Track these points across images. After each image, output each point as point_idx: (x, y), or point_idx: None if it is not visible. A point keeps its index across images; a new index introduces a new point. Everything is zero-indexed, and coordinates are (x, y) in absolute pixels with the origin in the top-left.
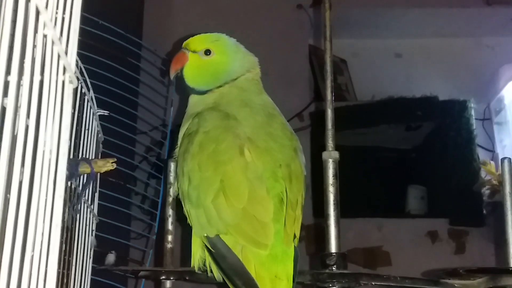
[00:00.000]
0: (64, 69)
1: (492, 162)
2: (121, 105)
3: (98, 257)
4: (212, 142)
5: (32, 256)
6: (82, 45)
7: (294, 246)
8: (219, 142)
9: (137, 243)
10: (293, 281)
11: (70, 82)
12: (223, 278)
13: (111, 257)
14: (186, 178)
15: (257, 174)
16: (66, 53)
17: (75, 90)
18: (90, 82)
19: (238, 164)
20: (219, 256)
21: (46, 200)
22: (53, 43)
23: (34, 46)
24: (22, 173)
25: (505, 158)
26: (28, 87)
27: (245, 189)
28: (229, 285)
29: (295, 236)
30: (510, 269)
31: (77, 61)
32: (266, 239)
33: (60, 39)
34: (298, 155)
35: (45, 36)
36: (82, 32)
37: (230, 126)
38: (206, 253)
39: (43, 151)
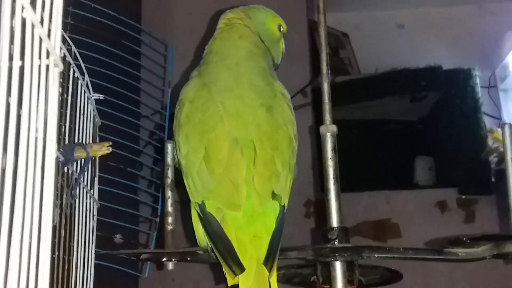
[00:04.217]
0: (48, 52)
1: (499, 130)
2: (123, 91)
3: (105, 242)
4: (198, 112)
5: (21, 242)
6: (81, 31)
7: (280, 204)
8: (204, 112)
9: (145, 227)
10: (275, 237)
11: (55, 65)
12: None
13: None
14: (178, 148)
15: (233, 138)
16: (49, 36)
17: (67, 75)
18: (92, 68)
19: (220, 131)
20: (206, 222)
21: (33, 185)
22: (33, 26)
23: (13, 30)
24: (4, 159)
25: (505, 123)
26: (8, 71)
27: (225, 155)
28: (214, 250)
29: (275, 194)
30: None
31: (70, 46)
32: (239, 200)
33: (42, 22)
34: (273, 112)
35: (24, 19)
36: (83, 18)
37: (208, 94)
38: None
39: (27, 137)
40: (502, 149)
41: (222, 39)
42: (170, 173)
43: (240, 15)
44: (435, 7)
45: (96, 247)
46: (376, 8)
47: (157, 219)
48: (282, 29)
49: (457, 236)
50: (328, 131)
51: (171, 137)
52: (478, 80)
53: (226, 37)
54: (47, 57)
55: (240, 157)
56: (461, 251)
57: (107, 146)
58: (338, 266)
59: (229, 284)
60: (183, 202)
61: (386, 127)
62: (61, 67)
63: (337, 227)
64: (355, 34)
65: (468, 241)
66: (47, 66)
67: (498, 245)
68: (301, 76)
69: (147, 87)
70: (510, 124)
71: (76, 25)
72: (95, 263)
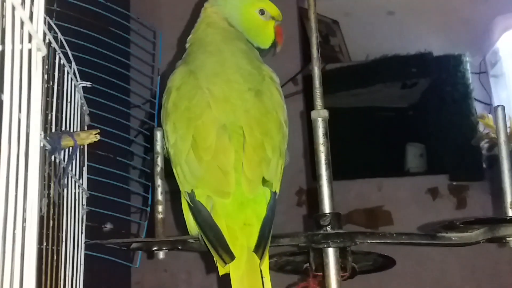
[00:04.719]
0: (31, 36)
1: (490, 115)
2: (113, 79)
3: (96, 233)
4: (185, 99)
5: (5, 233)
6: (68, 18)
7: (272, 191)
8: (191, 99)
9: (136, 217)
10: (266, 224)
11: (38, 49)
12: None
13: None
14: (166, 137)
15: (221, 124)
16: (31, 19)
17: (53, 62)
18: (80, 56)
19: (207, 117)
20: (196, 210)
21: (17, 174)
22: (13, 8)
23: None
24: None
25: (498, 106)
26: None
27: (212, 142)
28: (204, 239)
29: (266, 180)
30: (508, 218)
31: (57, 33)
32: (228, 187)
33: (23, 3)
34: (262, 96)
35: (3, 0)
36: (69, 5)
37: (194, 81)
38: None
39: (10, 123)
40: (493, 135)
41: (196, 30)
42: (159, 161)
43: (211, 3)
44: None
45: (86, 238)
46: None
47: (148, 209)
48: (266, 13)
49: (451, 221)
50: (320, 116)
51: (160, 125)
52: (468, 66)
53: (198, 28)
54: (29, 41)
55: (228, 144)
56: (454, 236)
57: (95, 134)
58: (331, 252)
59: (221, 273)
60: (174, 192)
61: (377, 114)
62: (44, 51)
63: (329, 213)
64: (346, 21)
65: (461, 225)
66: (30, 51)
67: (492, 229)
68: (291, 64)
69: (136, 75)
70: (503, 106)
71: (63, 12)
72: (85, 253)
